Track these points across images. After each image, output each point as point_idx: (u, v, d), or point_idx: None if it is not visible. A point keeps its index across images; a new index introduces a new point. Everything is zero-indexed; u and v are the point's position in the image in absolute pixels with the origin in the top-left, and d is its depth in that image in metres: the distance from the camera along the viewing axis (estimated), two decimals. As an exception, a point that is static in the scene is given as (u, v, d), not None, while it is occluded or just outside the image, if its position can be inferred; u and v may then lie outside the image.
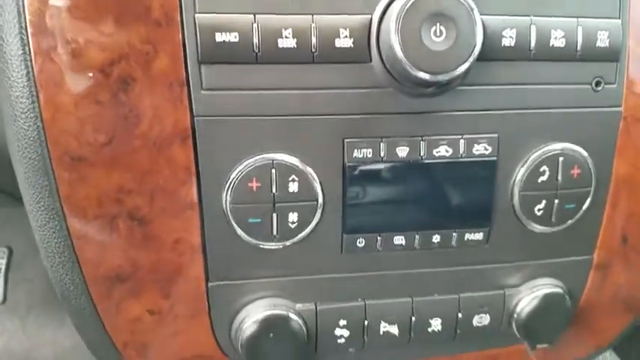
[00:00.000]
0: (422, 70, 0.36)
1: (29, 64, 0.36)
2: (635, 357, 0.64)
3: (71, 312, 0.43)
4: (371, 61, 0.39)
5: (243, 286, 0.44)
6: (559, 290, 0.47)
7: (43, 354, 1.09)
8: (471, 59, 0.37)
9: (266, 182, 0.40)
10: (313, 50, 0.38)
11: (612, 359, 0.63)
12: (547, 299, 0.47)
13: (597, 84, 0.44)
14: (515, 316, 0.48)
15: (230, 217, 0.40)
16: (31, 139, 0.37)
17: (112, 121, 0.37)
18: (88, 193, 0.38)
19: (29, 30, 0.35)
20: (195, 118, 0.38)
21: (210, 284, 0.43)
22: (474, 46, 0.37)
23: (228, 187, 0.40)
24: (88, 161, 0.38)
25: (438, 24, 0.36)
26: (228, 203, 0.40)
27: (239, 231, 0.41)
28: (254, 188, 0.40)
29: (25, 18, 0.35)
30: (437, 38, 0.36)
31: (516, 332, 0.48)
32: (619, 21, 0.42)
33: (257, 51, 0.37)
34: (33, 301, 1.16)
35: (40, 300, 1.18)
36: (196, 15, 0.36)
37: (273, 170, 0.40)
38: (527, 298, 0.48)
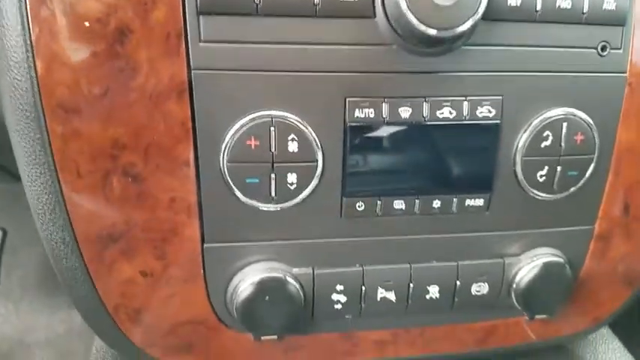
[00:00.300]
0: (427, 26, 0.36)
1: (24, 12, 0.35)
2: (633, 336, 0.64)
3: (61, 272, 0.42)
4: (375, 16, 0.38)
5: (239, 249, 0.43)
6: (559, 259, 0.47)
7: (37, 338, 1.08)
8: (477, 15, 0.36)
9: (265, 141, 0.39)
10: (316, 3, 0.37)
11: (609, 337, 0.63)
12: (547, 268, 0.47)
13: (603, 49, 0.43)
14: (515, 285, 0.48)
15: (227, 176, 0.39)
16: (24, 89, 0.36)
17: (107, 73, 0.36)
18: (82, 147, 0.37)
19: None
20: (192, 72, 0.37)
21: (205, 246, 0.43)
22: (479, 5, 0.36)
23: (226, 144, 0.39)
24: (82, 114, 0.37)
25: None
26: (225, 162, 0.39)
27: (236, 191, 0.40)
28: (252, 147, 0.39)
29: None
30: None
31: (515, 302, 0.48)
32: None
33: (258, 1, 0.36)
34: (27, 285, 1.14)
35: (33, 285, 1.17)
36: None
37: (272, 128, 0.39)
38: (526, 267, 0.47)
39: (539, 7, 0.40)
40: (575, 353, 0.61)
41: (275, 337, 0.44)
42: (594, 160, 0.45)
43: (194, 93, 0.38)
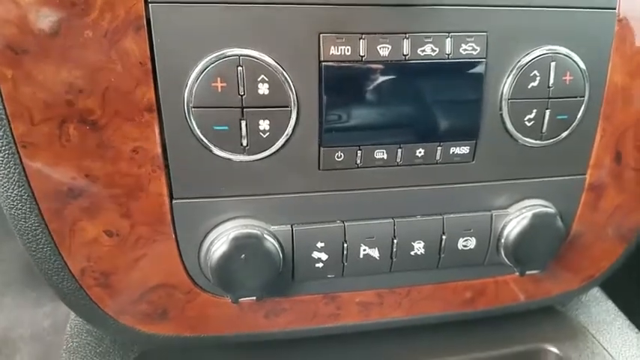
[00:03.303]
0: None
1: None
2: (621, 294, 0.62)
3: (21, 234, 0.37)
4: None
5: (211, 205, 0.39)
6: (550, 210, 0.43)
7: (21, 333, 1.07)
8: None
9: (232, 82, 0.35)
10: None
11: (602, 298, 0.60)
12: (537, 220, 0.43)
13: None
14: (503, 239, 0.44)
15: (193, 123, 0.35)
16: None
17: (58, 9, 0.32)
18: (34, 92, 0.33)
19: None
20: (149, 5, 0.33)
21: (174, 202, 0.38)
22: None
23: (190, 87, 0.34)
24: (33, 55, 0.33)
25: None
26: (190, 106, 0.35)
27: (204, 140, 0.36)
28: (219, 89, 0.35)
29: None
30: None
31: (504, 258, 0.44)
32: None
33: None
34: (9, 281, 1.14)
35: (16, 280, 1.14)
36: None
37: (240, 68, 0.35)
38: (515, 219, 0.44)
39: None
40: (567, 316, 0.57)
41: (254, 298, 0.40)
42: (584, 103, 0.42)
43: (152, 29, 0.34)
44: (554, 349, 0.53)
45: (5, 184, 0.35)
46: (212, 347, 0.49)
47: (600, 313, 0.58)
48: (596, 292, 0.61)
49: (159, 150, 0.36)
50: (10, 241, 1.17)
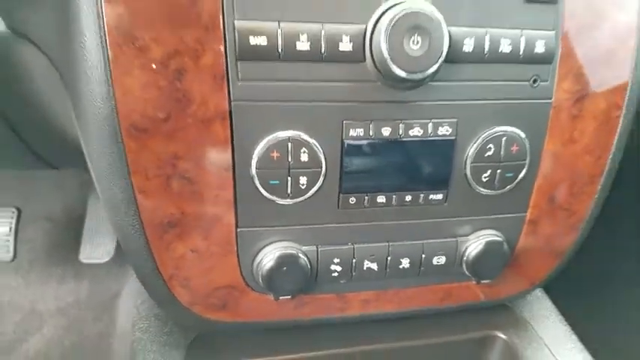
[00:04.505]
0: (403, 70, 0.44)
1: (106, 55, 0.42)
2: (559, 295, 0.77)
3: (129, 251, 0.51)
4: (365, 61, 0.46)
5: (264, 232, 0.52)
6: (499, 239, 0.57)
7: (47, 307, 1.13)
8: (439, 62, 0.45)
9: (284, 153, 0.48)
10: (322, 52, 0.45)
11: (542, 297, 0.76)
12: (489, 245, 0.56)
13: (534, 81, 0.51)
14: (465, 258, 0.57)
15: (256, 179, 0.49)
16: (106, 115, 0.44)
17: (169, 103, 0.44)
18: (149, 158, 0.46)
19: (106, 29, 0.42)
20: (232, 103, 0.46)
21: (239, 230, 0.52)
22: (442, 53, 0.45)
23: (255, 156, 0.48)
24: (150, 133, 0.45)
25: (415, 34, 0.44)
26: (255, 168, 0.48)
27: (262, 190, 0.49)
28: (274, 157, 0.48)
29: (103, 20, 0.42)
30: (414, 46, 0.44)
31: (466, 270, 0.58)
32: (553, 32, 0.50)
33: (280, 51, 0.44)
34: (34, 259, 1.19)
35: (41, 258, 1.19)
36: (235, 21, 0.43)
37: (289, 144, 0.48)
38: (474, 244, 0.57)
39: (486, 52, 0.48)
40: (514, 311, 0.72)
41: (289, 297, 0.55)
42: (526, 165, 0.54)
43: (233, 118, 0.46)
44: (502, 336, 0.68)
45: (123, 218, 0.49)
46: (249, 331, 0.64)
47: (540, 309, 0.73)
48: (538, 293, 0.75)
49: (232, 196, 0.50)
50: (33, 224, 1.28)
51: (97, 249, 1.25)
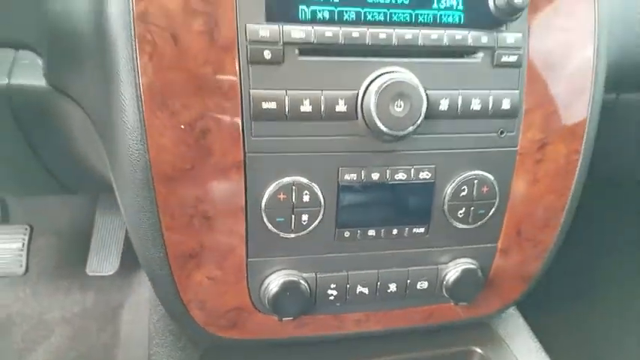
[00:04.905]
0: (388, 128, 0.52)
1: (142, 119, 0.50)
2: (531, 312, 0.83)
3: (154, 279, 0.58)
4: (357, 119, 0.53)
5: (270, 262, 0.59)
6: (473, 266, 0.63)
7: (54, 317, 1.19)
8: (418, 122, 0.52)
9: (289, 195, 0.55)
10: (322, 113, 0.52)
11: (515, 315, 0.83)
12: (465, 272, 0.63)
13: (501, 133, 0.58)
14: (445, 283, 0.63)
15: (264, 216, 0.55)
16: (141, 167, 0.51)
17: (194, 156, 0.51)
18: (176, 201, 0.53)
19: (143, 98, 0.49)
20: (246, 154, 0.53)
21: (249, 260, 0.58)
22: (421, 114, 0.52)
23: (265, 197, 0.55)
24: (178, 180, 0.52)
25: (399, 99, 0.51)
26: (264, 208, 0.55)
27: (269, 226, 0.56)
28: (281, 198, 0.55)
29: (140, 90, 0.49)
30: (398, 109, 0.51)
31: (445, 294, 0.64)
32: (517, 91, 0.57)
33: (287, 113, 0.52)
34: (43, 272, 1.26)
35: (48, 271, 1.26)
36: (250, 90, 0.51)
37: (294, 187, 0.55)
38: (452, 271, 0.63)
39: (459, 110, 0.55)
40: (491, 327, 0.79)
41: (291, 318, 0.61)
42: (496, 203, 0.61)
43: (247, 167, 0.53)
44: (479, 351, 0.74)
45: (151, 251, 0.56)
46: (255, 347, 0.71)
47: (513, 326, 0.79)
48: (512, 311, 0.82)
49: (244, 231, 0.56)
50: (41, 237, 1.34)
51: (102, 263, 1.33)
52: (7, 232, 1.30)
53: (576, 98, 0.61)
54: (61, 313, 1.26)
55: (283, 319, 0.61)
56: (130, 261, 1.31)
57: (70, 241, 1.36)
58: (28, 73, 0.59)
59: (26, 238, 1.29)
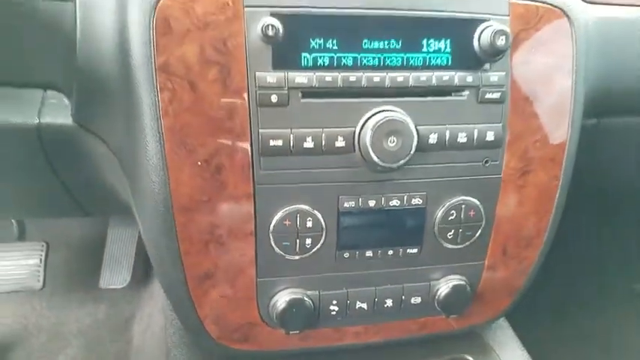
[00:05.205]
0: (383, 161, 0.57)
1: (164, 157, 0.55)
2: (521, 323, 0.88)
3: (172, 297, 0.64)
4: (354, 152, 0.58)
5: (277, 281, 0.64)
6: (463, 282, 0.68)
7: (69, 329, 1.24)
8: (409, 155, 0.57)
9: (293, 221, 0.59)
10: (323, 148, 0.57)
11: (504, 325, 0.87)
12: (454, 288, 0.67)
13: (486, 162, 0.63)
14: (437, 297, 0.68)
15: (272, 241, 0.60)
16: (162, 200, 0.57)
17: (210, 189, 0.56)
18: (194, 228, 0.58)
19: (164, 138, 0.54)
20: (256, 186, 0.58)
21: (258, 279, 0.63)
22: (412, 148, 0.57)
23: (272, 223, 0.60)
24: (195, 210, 0.57)
25: (392, 135, 0.56)
26: (271, 233, 0.60)
27: (276, 249, 0.61)
28: (287, 224, 0.60)
29: (162, 132, 0.54)
30: (391, 144, 0.56)
31: (437, 307, 0.68)
32: (500, 124, 0.61)
33: (292, 149, 0.57)
34: (56, 285, 1.32)
35: (63, 285, 1.32)
36: (260, 130, 0.56)
37: (298, 215, 0.59)
38: (443, 287, 0.68)
39: (447, 143, 0.60)
40: (481, 337, 0.84)
41: (297, 331, 0.65)
42: (482, 226, 0.65)
43: (256, 197, 0.58)
44: (470, 359, 0.80)
45: (172, 274, 0.61)
46: (264, 358, 0.76)
47: (502, 336, 0.84)
48: (501, 322, 0.87)
49: (253, 254, 0.61)
50: (54, 253, 1.40)
51: (114, 276, 1.39)
52: (25, 248, 1.36)
53: (555, 129, 0.65)
54: (76, 324, 1.31)
55: (290, 332, 0.66)
56: (140, 274, 1.38)
57: (84, 256, 1.42)
58: (56, 111, 0.65)
59: (43, 254, 1.35)
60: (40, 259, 1.35)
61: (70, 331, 1.27)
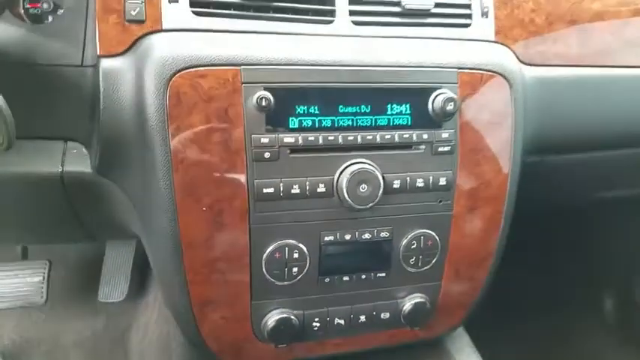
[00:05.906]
0: (356, 203, 0.66)
1: (174, 206, 0.63)
2: (480, 331, 1.00)
3: (179, 318, 0.74)
4: (333, 197, 0.67)
5: (268, 303, 0.72)
6: (423, 300, 0.77)
7: (69, 340, 1.29)
8: (378, 198, 0.66)
9: (283, 254, 0.68)
10: (307, 194, 0.66)
11: (462, 334, 0.97)
12: (417, 305, 0.76)
13: (440, 201, 0.72)
14: (402, 313, 0.76)
15: (264, 270, 0.68)
16: (172, 237, 0.65)
17: (213, 229, 0.65)
18: (198, 261, 0.66)
19: (175, 190, 0.63)
20: (251, 225, 0.66)
21: (252, 302, 0.70)
22: (379, 193, 0.66)
23: (265, 256, 0.68)
24: (200, 247, 0.65)
25: (363, 183, 0.66)
26: (264, 263, 0.68)
27: (268, 276, 0.68)
28: (277, 256, 0.68)
29: (173, 186, 0.63)
30: (363, 190, 0.66)
31: (403, 321, 0.77)
32: (451, 171, 0.71)
33: (281, 195, 0.65)
34: (56, 299, 1.38)
35: (62, 299, 1.39)
36: (255, 181, 0.64)
37: (287, 248, 0.68)
38: (407, 304, 0.76)
39: (408, 187, 0.69)
40: (444, 345, 0.92)
41: (285, 345, 0.74)
42: (437, 253, 0.74)
43: (251, 235, 0.66)
44: None
45: (178, 298, 0.70)
46: None
47: (460, 343, 0.95)
48: (460, 331, 0.98)
49: (248, 281, 0.68)
50: (58, 268, 1.48)
51: (112, 290, 1.47)
52: (29, 267, 1.44)
53: (498, 172, 0.75)
54: (76, 336, 1.36)
55: (278, 346, 0.74)
56: (135, 288, 1.45)
57: (83, 271, 1.50)
58: (78, 160, 0.75)
59: (46, 272, 1.43)
60: (44, 277, 1.42)
61: (69, 342, 1.32)
